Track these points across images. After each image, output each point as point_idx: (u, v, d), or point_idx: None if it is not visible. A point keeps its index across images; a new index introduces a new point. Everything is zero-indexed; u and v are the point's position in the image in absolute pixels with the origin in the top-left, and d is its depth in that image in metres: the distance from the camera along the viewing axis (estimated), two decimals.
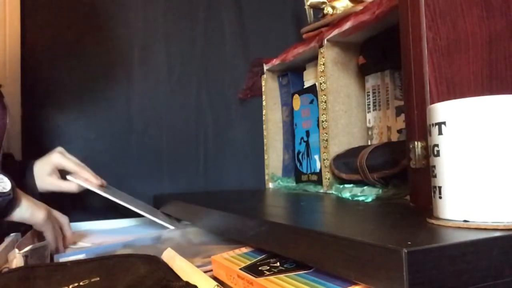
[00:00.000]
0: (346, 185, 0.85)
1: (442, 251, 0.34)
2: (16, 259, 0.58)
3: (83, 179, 0.91)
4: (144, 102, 1.19)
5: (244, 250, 0.62)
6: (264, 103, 1.24)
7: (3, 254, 0.63)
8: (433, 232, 0.42)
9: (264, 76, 1.24)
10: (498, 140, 0.41)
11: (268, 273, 0.50)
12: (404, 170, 0.70)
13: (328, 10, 0.99)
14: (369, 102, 0.96)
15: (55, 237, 0.75)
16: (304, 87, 1.11)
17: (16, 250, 0.59)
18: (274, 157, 1.22)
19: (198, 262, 0.63)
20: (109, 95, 1.15)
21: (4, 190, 0.66)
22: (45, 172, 0.90)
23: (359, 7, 0.88)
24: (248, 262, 0.56)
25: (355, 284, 0.41)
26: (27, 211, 0.70)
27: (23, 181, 0.88)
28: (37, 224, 0.72)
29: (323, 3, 1.01)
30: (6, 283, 0.49)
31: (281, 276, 0.49)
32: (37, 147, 1.04)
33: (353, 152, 0.88)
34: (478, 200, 0.42)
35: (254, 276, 0.50)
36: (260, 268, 0.53)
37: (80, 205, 1.06)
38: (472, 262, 0.35)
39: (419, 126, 0.59)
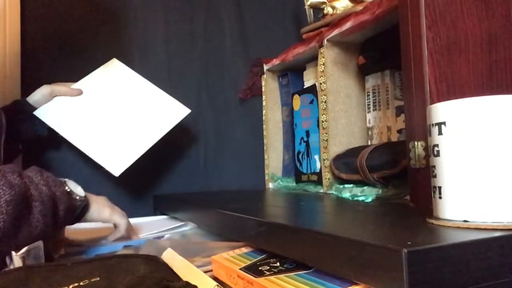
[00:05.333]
0: (346, 185, 0.85)
1: (442, 251, 0.34)
2: (14, 261, 0.58)
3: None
4: None
5: (244, 250, 0.62)
6: (264, 103, 1.24)
7: None
8: (433, 232, 0.42)
9: (264, 76, 1.24)
10: (498, 140, 0.41)
11: (268, 273, 0.50)
12: (404, 170, 0.70)
13: (328, 10, 0.99)
14: (369, 102, 0.96)
15: (127, 227, 0.81)
16: (304, 87, 1.11)
17: (13, 253, 0.59)
18: (274, 157, 1.22)
19: (198, 262, 0.63)
20: None
21: (81, 195, 0.72)
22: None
23: (359, 7, 0.88)
24: (248, 262, 0.56)
25: (355, 284, 0.41)
26: (95, 212, 0.76)
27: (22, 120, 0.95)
28: (105, 221, 0.79)
29: (323, 3, 1.01)
30: (6, 283, 0.49)
31: (281, 276, 0.49)
32: (36, 146, 1.04)
33: (353, 152, 0.88)
34: (478, 200, 0.42)
35: (254, 276, 0.50)
36: (260, 268, 0.53)
37: None
38: (472, 262, 0.35)
39: (419, 126, 0.59)
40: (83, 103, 1.01)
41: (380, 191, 0.76)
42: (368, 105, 0.96)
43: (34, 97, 0.97)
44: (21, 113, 0.95)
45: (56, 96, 0.99)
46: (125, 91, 1.06)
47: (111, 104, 1.03)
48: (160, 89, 1.08)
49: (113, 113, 1.02)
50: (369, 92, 0.96)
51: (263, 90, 1.24)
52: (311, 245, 0.44)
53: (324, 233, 0.43)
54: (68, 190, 0.70)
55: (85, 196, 0.73)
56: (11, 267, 0.58)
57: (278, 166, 1.22)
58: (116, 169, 0.94)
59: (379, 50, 0.91)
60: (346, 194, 0.81)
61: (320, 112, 0.96)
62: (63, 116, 0.98)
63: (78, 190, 0.72)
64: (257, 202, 0.92)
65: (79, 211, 0.72)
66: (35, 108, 0.97)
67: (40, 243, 0.68)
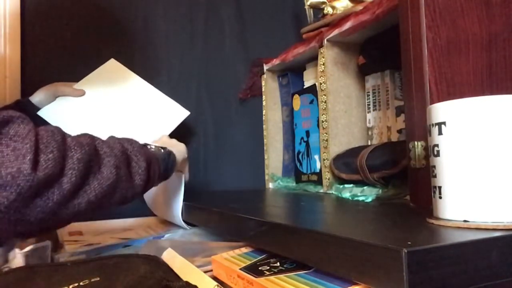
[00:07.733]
0: (346, 185, 0.85)
1: (442, 251, 0.34)
2: (17, 258, 0.58)
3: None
4: None
5: (244, 250, 0.62)
6: (264, 103, 1.24)
7: (4, 254, 0.63)
8: (433, 232, 0.42)
9: (264, 76, 1.24)
10: (498, 140, 0.41)
11: (268, 273, 0.50)
12: (404, 170, 0.70)
13: (328, 10, 0.99)
14: (369, 102, 0.96)
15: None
16: (304, 87, 1.11)
17: (17, 250, 0.59)
18: (274, 157, 1.22)
19: (198, 262, 0.63)
20: None
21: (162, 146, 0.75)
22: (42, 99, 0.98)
23: (359, 7, 0.88)
24: (248, 262, 0.56)
25: (355, 284, 0.41)
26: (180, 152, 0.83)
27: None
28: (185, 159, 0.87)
29: (323, 3, 1.01)
30: (6, 283, 0.49)
31: (281, 276, 0.49)
32: None
33: (353, 152, 0.88)
34: (478, 200, 0.42)
35: (254, 276, 0.50)
36: (260, 268, 0.53)
37: None
38: (472, 262, 0.35)
39: (419, 126, 0.59)
40: (84, 104, 1.01)
41: (380, 191, 0.76)
42: (368, 105, 0.96)
43: (37, 97, 0.97)
44: (24, 113, 0.95)
45: (59, 96, 0.99)
46: (124, 92, 1.06)
47: (111, 106, 1.03)
48: (158, 90, 1.08)
49: (113, 116, 1.02)
50: (369, 92, 0.96)
51: (263, 90, 1.24)
52: (311, 245, 0.44)
53: (324, 233, 0.43)
54: (153, 148, 0.72)
55: (166, 148, 0.76)
56: (14, 265, 0.58)
57: (278, 166, 1.22)
58: None
59: (379, 50, 0.91)
60: (346, 194, 0.81)
61: (320, 112, 0.96)
62: (65, 116, 0.98)
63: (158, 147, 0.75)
64: (257, 202, 0.92)
65: (167, 160, 0.75)
66: (38, 108, 0.97)
67: (47, 243, 0.69)
